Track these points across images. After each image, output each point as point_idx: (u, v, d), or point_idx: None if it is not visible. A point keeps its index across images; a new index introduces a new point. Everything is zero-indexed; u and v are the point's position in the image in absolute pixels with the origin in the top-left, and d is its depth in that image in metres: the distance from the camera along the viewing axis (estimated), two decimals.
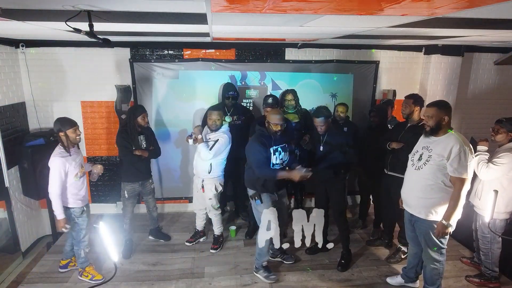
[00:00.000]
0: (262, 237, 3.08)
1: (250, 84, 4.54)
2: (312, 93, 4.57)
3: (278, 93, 4.28)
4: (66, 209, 3.09)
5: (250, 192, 3.25)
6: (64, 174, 2.98)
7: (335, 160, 3.30)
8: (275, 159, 3.05)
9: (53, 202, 3.00)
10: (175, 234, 4.25)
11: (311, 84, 4.60)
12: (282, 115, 3.07)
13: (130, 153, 3.55)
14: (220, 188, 3.72)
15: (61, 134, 2.97)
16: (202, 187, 3.67)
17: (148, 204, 3.95)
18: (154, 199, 4.00)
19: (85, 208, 3.22)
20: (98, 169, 3.33)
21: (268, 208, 2.99)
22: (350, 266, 3.54)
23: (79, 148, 3.25)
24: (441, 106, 2.64)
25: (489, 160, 2.97)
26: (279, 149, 3.07)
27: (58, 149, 3.01)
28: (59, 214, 3.02)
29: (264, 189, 3.15)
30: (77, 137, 3.04)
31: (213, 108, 3.63)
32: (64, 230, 3.11)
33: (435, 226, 2.68)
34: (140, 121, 3.55)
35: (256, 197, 3.17)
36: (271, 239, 3.10)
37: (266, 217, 2.90)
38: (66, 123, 2.99)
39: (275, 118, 3.02)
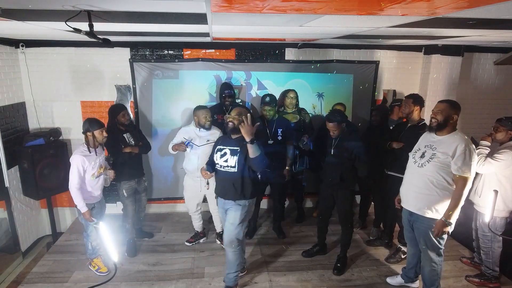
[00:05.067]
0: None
1: (234, 84, 4.49)
2: (301, 93, 4.46)
3: (264, 93, 4.26)
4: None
5: None
6: (83, 171, 3.09)
7: (344, 166, 3.26)
8: (216, 158, 2.97)
9: (73, 197, 3.09)
10: (175, 234, 4.25)
11: (299, 84, 4.57)
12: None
13: (119, 152, 3.55)
14: None
15: (89, 134, 3.09)
16: (207, 183, 3.65)
17: (140, 203, 3.94)
18: (146, 198, 4.02)
19: (95, 205, 3.29)
20: (109, 174, 3.39)
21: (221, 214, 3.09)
22: (346, 270, 3.52)
23: (103, 149, 3.35)
24: (452, 103, 2.64)
25: (489, 156, 2.98)
26: (226, 150, 2.92)
27: (82, 147, 3.13)
28: (82, 207, 3.11)
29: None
30: (104, 138, 3.15)
31: (201, 107, 3.63)
32: (91, 222, 3.19)
33: (434, 224, 2.67)
34: (121, 119, 3.57)
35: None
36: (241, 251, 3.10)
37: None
38: (94, 124, 3.10)
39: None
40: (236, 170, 2.86)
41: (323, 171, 3.46)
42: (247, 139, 2.66)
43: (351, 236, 3.52)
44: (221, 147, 2.96)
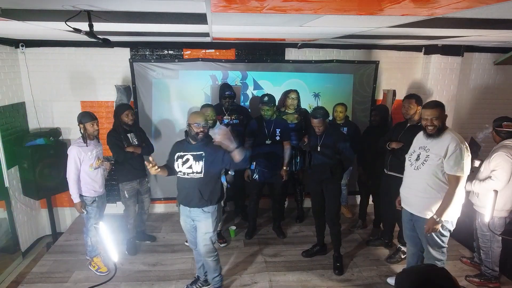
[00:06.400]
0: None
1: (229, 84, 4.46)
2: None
3: (260, 93, 4.28)
4: (79, 196, 3.28)
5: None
6: (79, 162, 3.21)
7: (332, 161, 3.30)
8: (177, 165, 2.77)
9: (69, 187, 3.22)
10: (175, 234, 4.24)
11: (297, 84, 4.56)
12: (205, 119, 2.77)
13: (122, 151, 3.54)
14: None
15: (81, 125, 3.23)
16: None
17: (143, 205, 3.93)
18: (150, 199, 4.01)
19: (96, 199, 3.37)
20: (105, 165, 3.48)
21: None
22: (346, 269, 3.53)
23: (99, 142, 3.43)
24: (442, 105, 2.65)
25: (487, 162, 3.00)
26: (188, 157, 2.74)
27: (78, 140, 3.28)
28: (75, 198, 3.24)
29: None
30: (94, 131, 3.27)
31: (205, 105, 3.62)
32: (81, 213, 3.32)
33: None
34: (125, 118, 3.56)
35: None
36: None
37: None
38: (86, 116, 3.24)
39: (195, 119, 2.72)
40: (202, 176, 2.74)
41: (311, 168, 3.48)
42: (231, 148, 2.71)
43: (340, 233, 3.53)
44: (182, 153, 2.77)
